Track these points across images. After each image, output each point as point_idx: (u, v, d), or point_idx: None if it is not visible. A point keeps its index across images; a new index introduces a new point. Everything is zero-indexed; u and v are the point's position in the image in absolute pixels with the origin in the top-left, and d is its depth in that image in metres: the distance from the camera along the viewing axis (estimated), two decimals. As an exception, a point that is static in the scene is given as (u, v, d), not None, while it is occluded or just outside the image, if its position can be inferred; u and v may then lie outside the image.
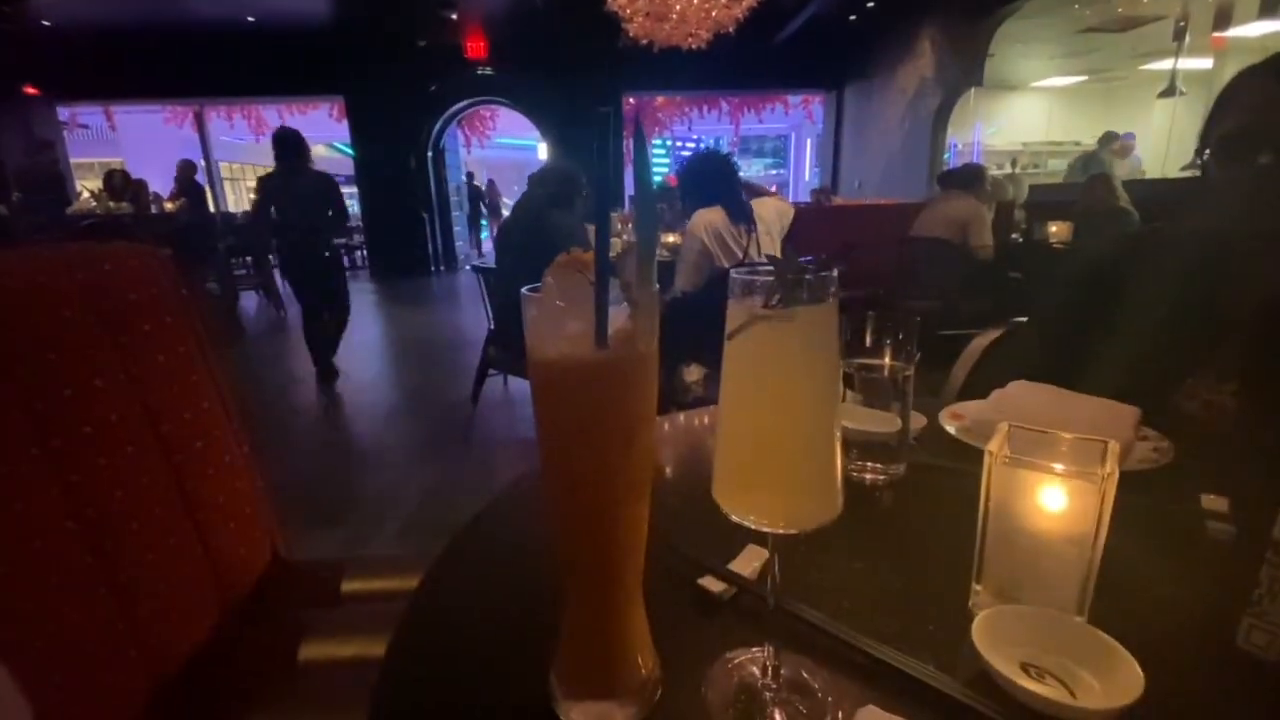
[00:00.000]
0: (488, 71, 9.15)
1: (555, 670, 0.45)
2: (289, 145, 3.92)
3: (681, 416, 1.07)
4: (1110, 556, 0.48)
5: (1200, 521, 0.65)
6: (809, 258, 0.36)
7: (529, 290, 0.37)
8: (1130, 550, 0.52)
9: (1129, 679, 0.42)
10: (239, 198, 16.09)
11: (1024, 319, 1.48)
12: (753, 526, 0.40)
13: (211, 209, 8.77)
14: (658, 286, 0.39)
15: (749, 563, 0.60)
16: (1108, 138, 6.97)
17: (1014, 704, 0.43)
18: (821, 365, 0.37)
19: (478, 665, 0.51)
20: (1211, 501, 0.67)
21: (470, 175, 12.65)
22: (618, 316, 0.38)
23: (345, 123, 9.78)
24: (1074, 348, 1.07)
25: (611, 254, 0.37)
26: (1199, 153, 0.99)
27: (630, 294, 0.38)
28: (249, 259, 7.24)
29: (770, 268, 0.37)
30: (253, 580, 0.97)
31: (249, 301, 7.46)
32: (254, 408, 3.87)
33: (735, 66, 9.01)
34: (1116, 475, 0.47)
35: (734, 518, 0.40)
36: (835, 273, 0.36)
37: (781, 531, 0.40)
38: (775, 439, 0.38)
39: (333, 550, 2.28)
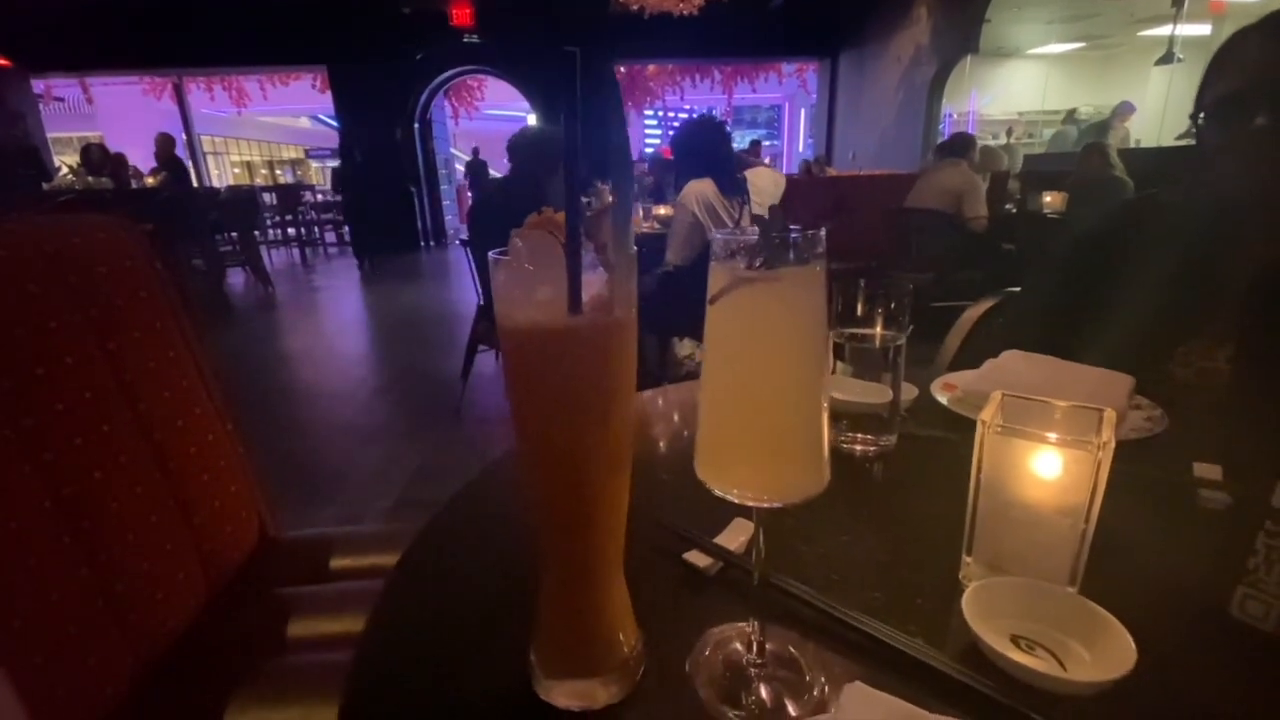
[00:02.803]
0: (474, 39, 8.91)
1: (535, 648, 0.44)
2: (351, 152, 8.39)
3: (671, 390, 1.06)
4: (1102, 527, 0.47)
5: (1193, 490, 0.64)
6: (797, 228, 0.34)
7: (496, 254, 0.35)
8: (1122, 520, 0.51)
9: (1121, 651, 0.41)
10: (223, 172, 15.79)
11: (1016, 289, 1.47)
12: (736, 501, 0.38)
13: (195, 184, 8.59)
14: (635, 249, 0.37)
15: (736, 537, 0.58)
16: (1123, 108, 6.81)
17: (1004, 677, 0.42)
18: (808, 329, 0.35)
19: (456, 644, 0.49)
20: (1205, 469, 0.66)
21: (476, 150, 12.24)
22: (593, 281, 0.36)
23: (329, 94, 9.56)
24: (1067, 317, 1.06)
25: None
26: (1194, 116, 0.96)
27: (605, 257, 0.36)
28: (234, 235, 7.09)
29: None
30: (240, 558, 0.96)
31: (236, 278, 7.35)
32: (243, 384, 3.85)
33: (728, 33, 8.83)
34: (1113, 444, 0.45)
35: (717, 491, 0.39)
36: (823, 232, 0.34)
37: (766, 505, 0.38)
38: (760, 408, 0.36)
39: (324, 527, 2.27)
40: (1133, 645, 0.41)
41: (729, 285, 0.35)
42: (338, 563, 1.07)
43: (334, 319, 4.96)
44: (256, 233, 7.78)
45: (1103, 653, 0.42)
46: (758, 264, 0.34)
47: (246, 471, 0.98)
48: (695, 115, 2.89)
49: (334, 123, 9.49)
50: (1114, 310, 1.02)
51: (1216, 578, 0.49)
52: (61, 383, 0.71)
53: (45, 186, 6.20)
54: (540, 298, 0.35)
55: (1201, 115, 0.94)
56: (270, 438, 3.07)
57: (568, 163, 0.33)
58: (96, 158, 6.35)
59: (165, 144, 6.92)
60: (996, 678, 0.42)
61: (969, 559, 0.53)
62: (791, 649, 0.47)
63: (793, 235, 0.34)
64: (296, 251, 9.71)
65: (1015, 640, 0.45)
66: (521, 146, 2.68)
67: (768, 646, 0.46)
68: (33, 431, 0.67)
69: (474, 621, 0.52)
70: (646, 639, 0.47)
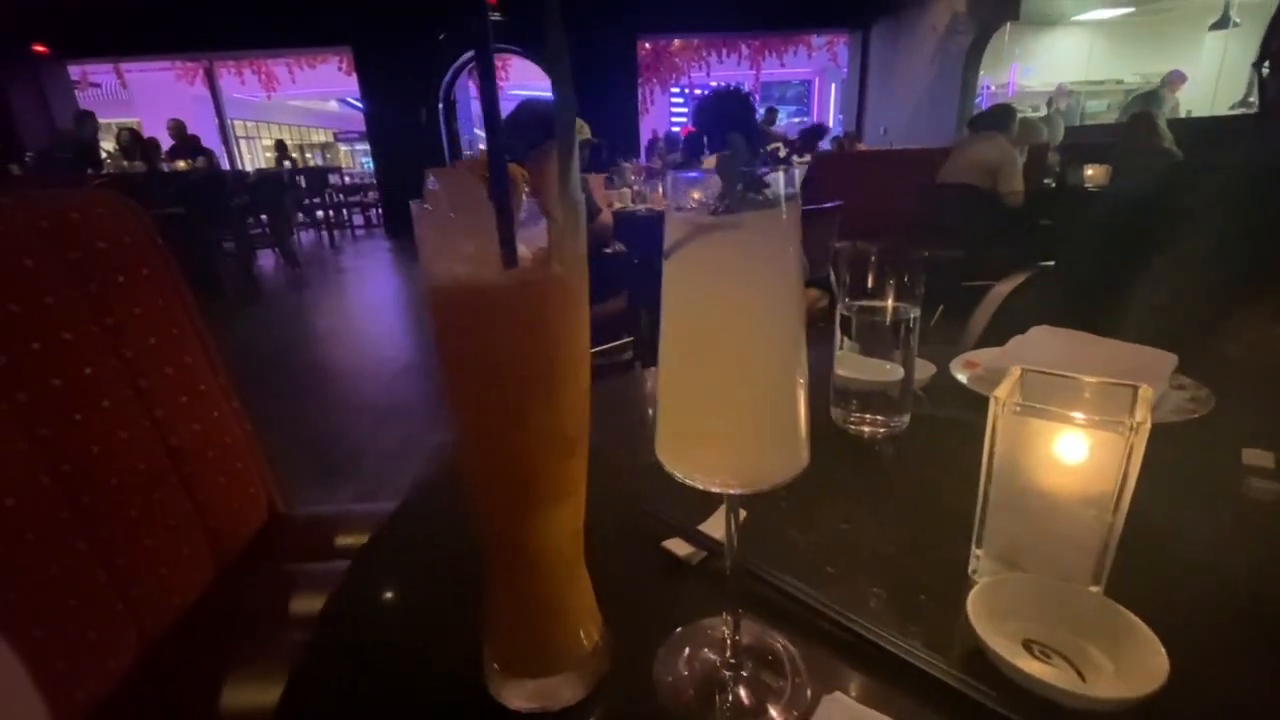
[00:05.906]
0: (497, 17, 8.80)
1: (488, 646, 0.40)
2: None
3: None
4: (1135, 519, 0.41)
5: (1242, 479, 0.57)
6: (767, 168, 0.28)
7: (416, 202, 0.30)
8: (1158, 512, 0.45)
9: (1151, 663, 0.36)
10: (255, 156, 16.04)
11: (1050, 263, 1.38)
12: (701, 488, 0.33)
13: (226, 167, 8.77)
14: (583, 195, 0.32)
15: (722, 524, 0.54)
16: (1171, 77, 6.42)
17: (1012, 688, 0.37)
18: (779, 285, 0.30)
19: (412, 640, 0.46)
20: (1255, 456, 0.59)
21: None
22: (533, 234, 0.31)
23: (355, 77, 9.57)
24: (1105, 290, 0.98)
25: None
26: (1257, 64, 0.88)
27: (546, 204, 0.31)
28: (264, 218, 7.18)
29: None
30: (248, 534, 0.96)
31: (267, 260, 7.47)
32: (271, 364, 3.91)
33: (755, 5, 8.56)
34: (1148, 425, 0.39)
35: (679, 476, 0.34)
36: (797, 171, 0.29)
37: (736, 492, 0.33)
38: (724, 379, 0.31)
39: (342, 504, 2.29)
40: (1165, 656, 0.35)
41: (686, 235, 0.30)
42: (343, 540, 1.06)
43: (359, 299, 5.01)
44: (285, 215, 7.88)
45: (1129, 664, 0.37)
46: (720, 209, 0.29)
47: (254, 448, 0.97)
48: (719, 87, 2.81)
49: (360, 105, 9.49)
50: (1157, 283, 0.93)
51: (1267, 578, 0.43)
52: (58, 358, 0.70)
53: (88, 173, 6.35)
54: (466, 250, 0.30)
55: (1266, 64, 0.85)
56: (296, 416, 3.11)
57: (485, 93, 0.28)
58: (126, 142, 6.47)
59: (178, 129, 7.28)
60: (1004, 688, 0.37)
61: (979, 552, 0.47)
62: (773, 648, 0.42)
63: (760, 173, 0.28)
64: (325, 234, 9.83)
65: (1028, 646, 0.40)
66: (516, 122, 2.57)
67: (747, 645, 0.41)
68: (28, 407, 0.66)
69: (434, 614, 0.49)
70: (615, 634, 0.42)
